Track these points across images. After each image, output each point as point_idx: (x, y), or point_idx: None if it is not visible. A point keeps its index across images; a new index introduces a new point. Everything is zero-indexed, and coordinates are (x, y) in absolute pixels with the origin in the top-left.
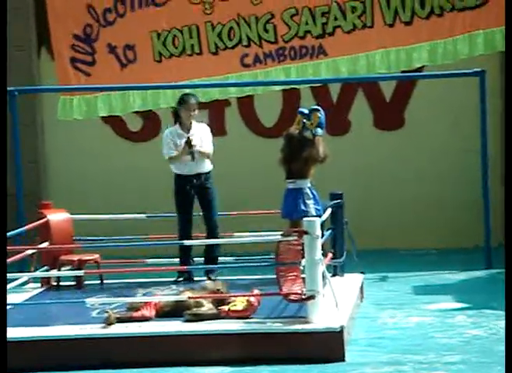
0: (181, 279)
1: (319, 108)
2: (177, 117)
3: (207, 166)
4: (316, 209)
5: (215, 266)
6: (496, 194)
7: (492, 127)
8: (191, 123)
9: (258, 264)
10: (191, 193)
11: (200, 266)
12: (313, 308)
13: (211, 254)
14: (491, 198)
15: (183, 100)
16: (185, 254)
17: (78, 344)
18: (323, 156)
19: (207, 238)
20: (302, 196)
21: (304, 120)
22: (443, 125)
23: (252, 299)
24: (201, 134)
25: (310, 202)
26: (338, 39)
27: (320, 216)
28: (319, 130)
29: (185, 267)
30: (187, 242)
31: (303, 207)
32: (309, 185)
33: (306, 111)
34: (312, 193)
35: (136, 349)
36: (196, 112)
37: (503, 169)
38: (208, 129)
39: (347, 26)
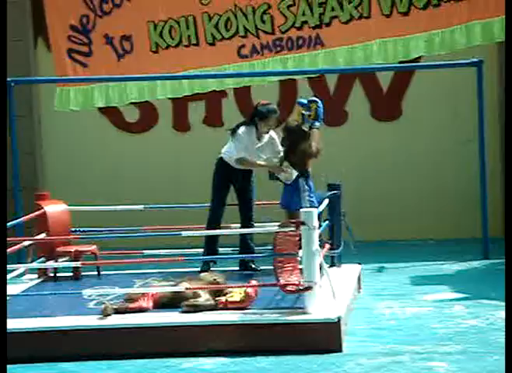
0: (208, 267)
1: (317, 99)
2: (254, 117)
3: None
4: (310, 201)
5: (216, 257)
6: (494, 185)
7: (489, 117)
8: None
9: (256, 255)
10: (232, 185)
11: (200, 258)
12: (311, 299)
13: (246, 245)
14: (489, 189)
15: (268, 114)
16: (211, 243)
17: (74, 335)
18: (315, 151)
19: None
20: (298, 188)
21: (303, 112)
22: (441, 115)
23: (249, 290)
24: (270, 146)
25: (306, 194)
26: (335, 29)
27: (315, 207)
28: (317, 123)
29: (176, 258)
30: (184, 233)
31: (298, 199)
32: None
33: (305, 102)
34: (308, 185)
35: (133, 340)
36: (274, 122)
37: (501, 160)
38: (276, 136)
39: (344, 16)
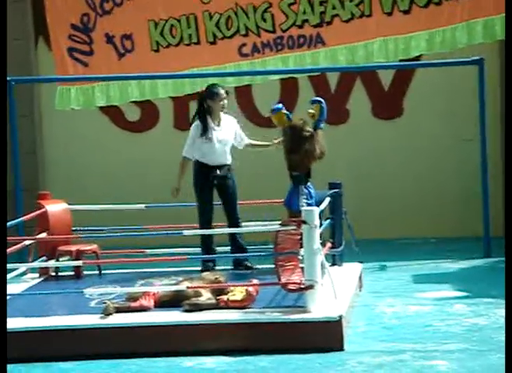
0: (210, 267)
1: (321, 99)
2: (202, 110)
3: (229, 158)
4: (307, 204)
5: (217, 256)
6: (495, 183)
7: (491, 116)
8: (219, 115)
9: (257, 254)
10: (213, 182)
11: (201, 257)
12: (312, 298)
13: (238, 244)
14: (490, 187)
15: (213, 92)
16: (207, 243)
17: (76, 334)
18: (319, 153)
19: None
20: (297, 191)
21: (286, 113)
22: (442, 114)
23: (251, 289)
24: (232, 128)
25: (303, 197)
26: (336, 28)
27: None
28: (321, 124)
29: (179, 258)
30: (186, 232)
31: (296, 202)
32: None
33: (280, 106)
34: (307, 189)
35: (135, 339)
36: (226, 102)
37: (502, 158)
38: (235, 121)
39: (345, 14)
